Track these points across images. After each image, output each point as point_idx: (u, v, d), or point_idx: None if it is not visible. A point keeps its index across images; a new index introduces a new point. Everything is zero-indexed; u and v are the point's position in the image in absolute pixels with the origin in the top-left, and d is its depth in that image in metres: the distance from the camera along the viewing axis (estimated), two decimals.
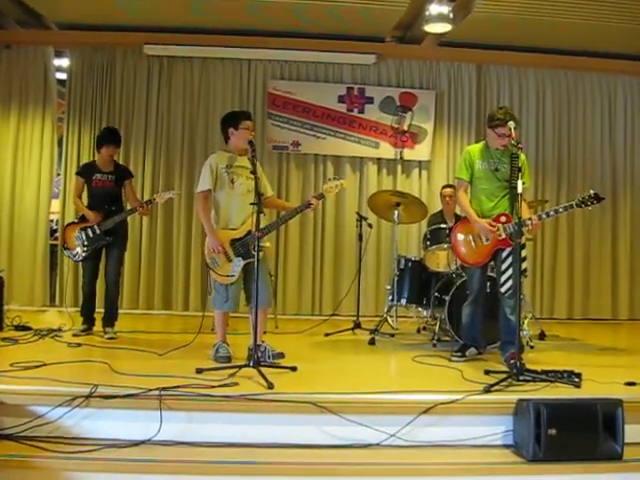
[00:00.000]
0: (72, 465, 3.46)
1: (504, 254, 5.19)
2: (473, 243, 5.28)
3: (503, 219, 5.12)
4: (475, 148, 5.46)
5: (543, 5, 7.23)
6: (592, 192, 4.88)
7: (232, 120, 5.19)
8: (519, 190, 4.57)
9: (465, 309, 5.47)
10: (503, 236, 5.11)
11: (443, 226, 6.51)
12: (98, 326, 6.24)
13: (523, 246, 5.35)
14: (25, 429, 3.68)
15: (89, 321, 6.27)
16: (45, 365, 4.48)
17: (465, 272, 5.79)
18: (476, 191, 5.36)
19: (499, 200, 5.24)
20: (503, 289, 5.18)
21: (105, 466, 3.48)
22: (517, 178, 4.73)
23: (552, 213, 5.06)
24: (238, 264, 5.01)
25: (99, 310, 6.34)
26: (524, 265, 6.08)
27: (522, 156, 5.19)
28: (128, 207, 6.35)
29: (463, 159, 5.42)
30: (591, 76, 9.04)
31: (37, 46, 8.46)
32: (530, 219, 4.98)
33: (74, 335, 6.03)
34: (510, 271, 5.13)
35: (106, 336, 6.04)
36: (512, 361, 4.79)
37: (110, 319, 6.19)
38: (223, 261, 5.03)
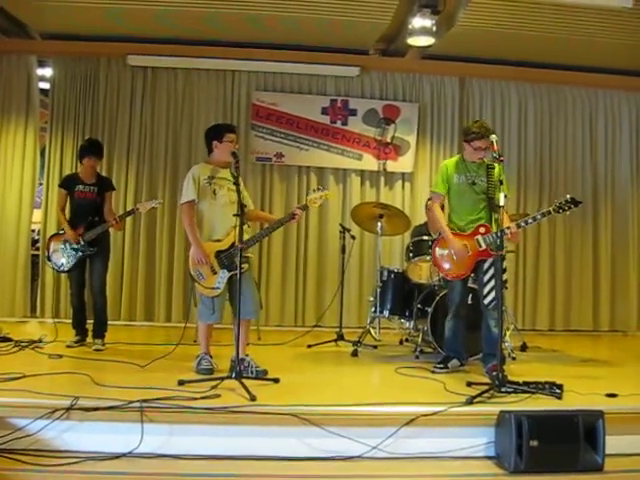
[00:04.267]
0: (52, 478, 3.43)
1: (485, 266, 5.24)
2: (455, 257, 5.29)
3: (482, 230, 5.20)
4: (451, 162, 5.52)
5: (525, 19, 7.30)
6: (569, 197, 4.92)
7: (216, 133, 5.19)
8: (501, 202, 4.60)
9: (448, 323, 5.50)
10: (483, 247, 5.16)
11: (426, 238, 6.52)
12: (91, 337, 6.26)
13: (503, 257, 5.39)
14: (4, 442, 3.63)
15: (81, 332, 6.29)
16: (25, 377, 4.43)
17: (447, 285, 5.80)
18: (455, 205, 5.41)
19: (479, 212, 5.31)
20: (486, 301, 5.21)
21: (85, 479, 3.44)
22: (498, 190, 4.80)
23: (530, 221, 5.12)
24: (223, 276, 5.00)
25: (90, 321, 6.32)
26: (505, 276, 6.14)
27: (497, 165, 5.23)
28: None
29: (440, 173, 5.48)
30: (572, 90, 9.14)
31: (20, 55, 8.42)
32: (509, 227, 5.00)
33: (67, 346, 6.02)
34: (492, 282, 5.18)
35: (93, 347, 6.05)
36: (494, 373, 4.82)
37: (99, 330, 6.19)
38: (208, 273, 5.01)
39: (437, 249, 5.45)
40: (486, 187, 5.25)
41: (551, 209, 4.95)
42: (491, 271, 5.20)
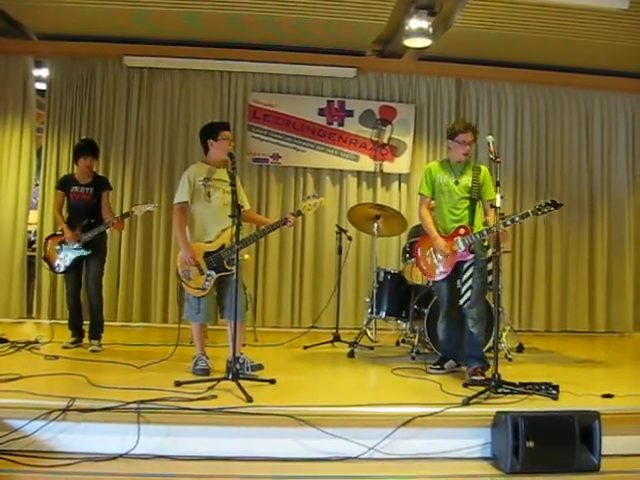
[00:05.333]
0: (48, 479, 3.42)
1: (465, 266, 5.24)
2: (434, 257, 5.35)
3: (462, 231, 5.20)
4: (434, 164, 5.60)
5: (522, 21, 7.31)
6: (550, 200, 4.85)
7: (211, 132, 5.20)
8: (497, 203, 4.59)
9: (440, 325, 5.53)
10: (462, 248, 5.16)
11: None
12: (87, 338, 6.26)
13: (489, 260, 5.41)
14: (0, 443, 3.63)
15: (78, 333, 6.28)
16: (21, 378, 4.43)
17: (433, 287, 5.83)
18: (439, 205, 5.44)
19: (462, 212, 5.30)
20: (461, 301, 5.21)
21: None
22: (484, 193, 5.00)
23: (509, 222, 5.02)
24: (210, 277, 5.01)
25: (87, 322, 6.31)
26: (489, 278, 6.12)
27: (484, 169, 5.35)
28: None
29: (424, 176, 5.52)
30: (568, 92, 9.14)
31: (17, 56, 8.40)
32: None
33: (64, 347, 6.03)
34: (470, 282, 5.19)
35: (90, 348, 6.05)
36: (474, 377, 4.82)
37: (95, 331, 6.19)
38: (195, 274, 5.03)
39: (418, 250, 5.55)
40: (470, 187, 5.26)
41: (529, 211, 4.87)
42: (469, 271, 5.21)
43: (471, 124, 5.44)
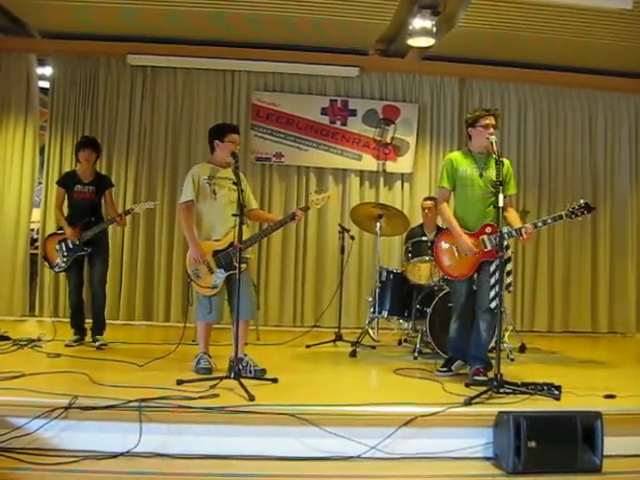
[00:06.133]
0: (50, 477, 3.42)
1: (492, 268, 4.94)
2: (457, 254, 5.04)
3: (488, 230, 4.90)
4: (457, 154, 5.22)
5: (525, 21, 7.31)
6: (582, 202, 4.67)
7: (218, 132, 5.19)
8: (500, 203, 4.51)
9: (453, 325, 5.24)
10: (489, 248, 4.89)
11: (424, 239, 6.52)
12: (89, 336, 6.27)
13: (508, 260, 5.23)
14: (2, 440, 3.63)
15: (80, 332, 6.29)
16: (24, 376, 4.42)
17: (449, 286, 5.61)
18: (461, 199, 5.12)
19: (487, 207, 4.96)
20: (492, 305, 4.92)
21: (83, 478, 3.44)
22: (499, 191, 4.55)
23: (540, 224, 4.85)
24: (220, 276, 5.00)
25: (89, 320, 6.33)
26: (509, 279, 6.02)
27: (507, 163, 5.00)
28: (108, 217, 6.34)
29: (444, 167, 5.18)
30: (571, 92, 9.14)
31: (20, 54, 8.42)
32: (525, 227, 4.79)
33: (66, 345, 6.03)
34: (498, 286, 4.80)
35: (96, 344, 6.06)
36: (476, 377, 4.76)
37: (99, 328, 6.20)
38: (205, 273, 5.02)
39: (440, 245, 5.18)
40: (494, 181, 4.77)
41: (563, 214, 4.66)
42: (497, 275, 4.84)
43: (492, 108, 5.12)
